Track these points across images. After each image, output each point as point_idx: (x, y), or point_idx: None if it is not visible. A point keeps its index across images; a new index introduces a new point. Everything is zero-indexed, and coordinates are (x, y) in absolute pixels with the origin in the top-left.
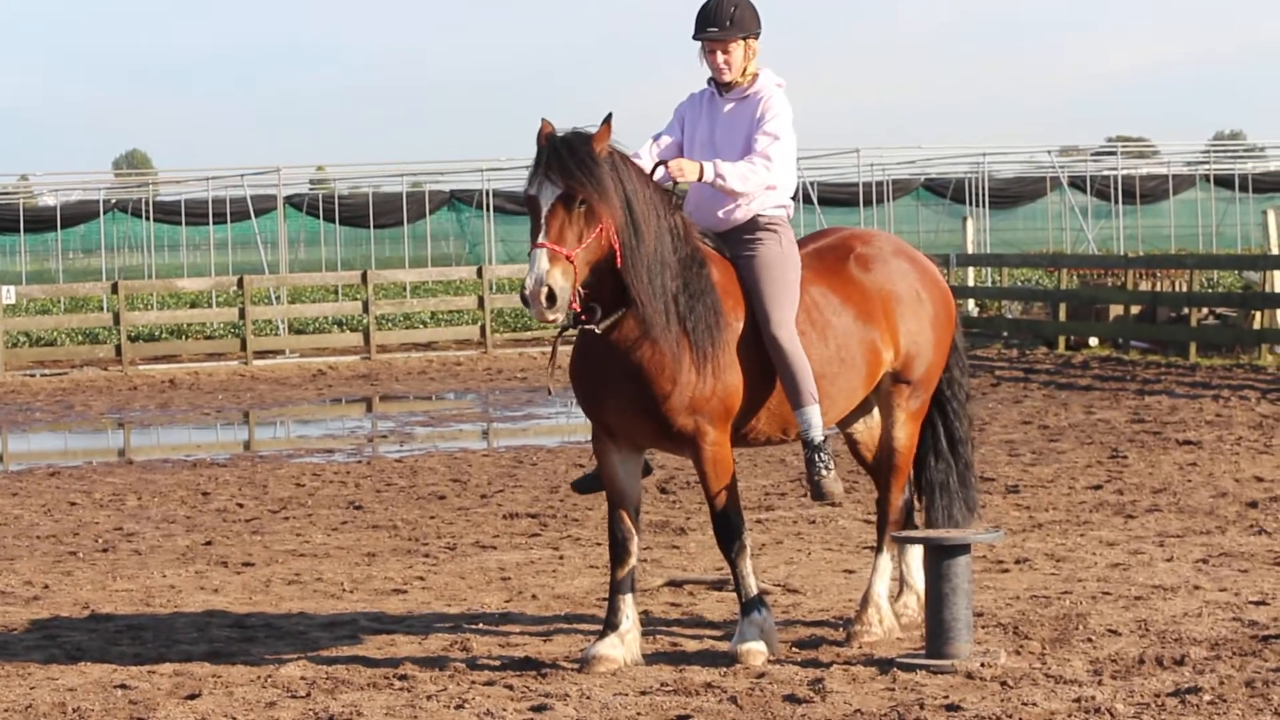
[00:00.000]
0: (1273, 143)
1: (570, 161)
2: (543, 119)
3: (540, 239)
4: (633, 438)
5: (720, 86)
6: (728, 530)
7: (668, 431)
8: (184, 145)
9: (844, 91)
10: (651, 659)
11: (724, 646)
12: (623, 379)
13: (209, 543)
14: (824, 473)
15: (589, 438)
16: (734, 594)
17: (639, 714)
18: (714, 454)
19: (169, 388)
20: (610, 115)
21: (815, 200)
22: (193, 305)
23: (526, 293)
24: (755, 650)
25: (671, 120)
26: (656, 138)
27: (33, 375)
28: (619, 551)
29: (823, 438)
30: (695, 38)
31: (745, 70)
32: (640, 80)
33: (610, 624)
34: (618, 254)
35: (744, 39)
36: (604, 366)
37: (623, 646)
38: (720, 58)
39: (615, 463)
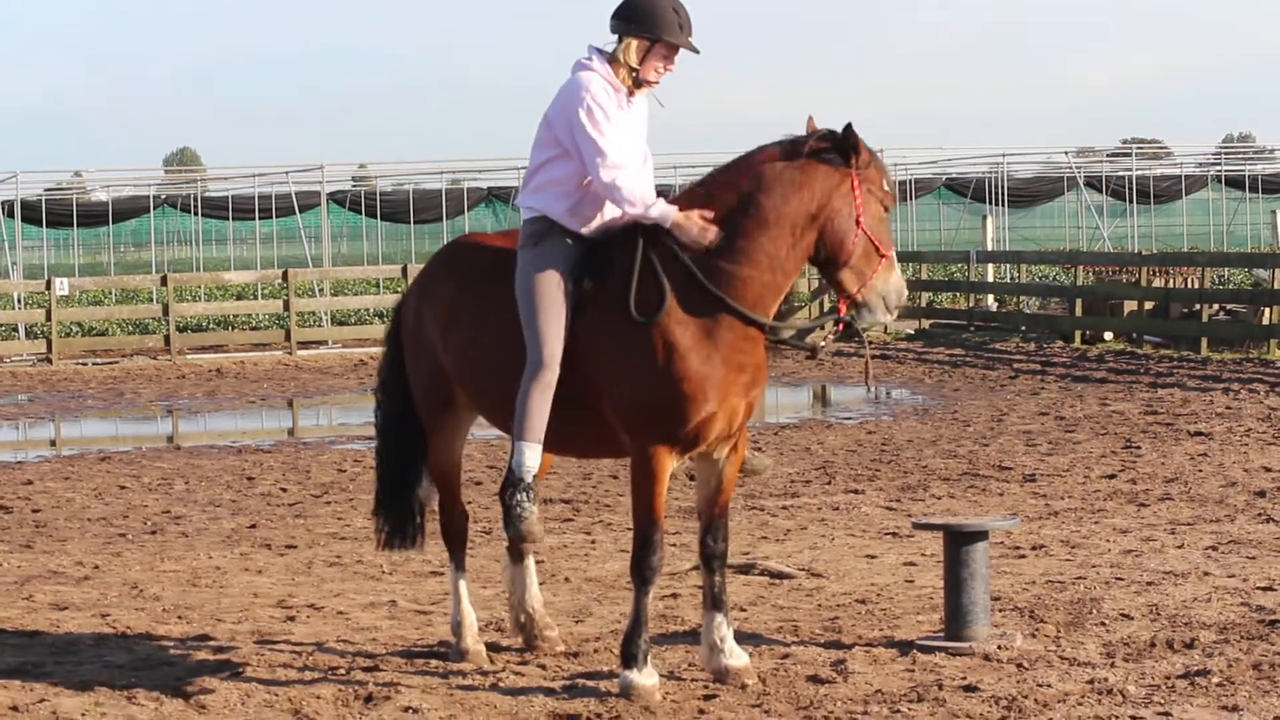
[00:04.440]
0: None
1: None
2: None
3: (892, 250)
4: (722, 438)
5: (633, 84)
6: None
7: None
8: (232, 143)
9: (870, 94)
10: (681, 638)
11: (749, 628)
12: (756, 373)
13: (253, 526)
14: None
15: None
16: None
17: (669, 694)
18: None
19: (216, 376)
20: (851, 124)
21: None
22: (239, 297)
23: (903, 301)
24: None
25: (606, 106)
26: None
27: (85, 364)
28: (655, 577)
29: None
30: (670, 40)
31: None
32: (678, 81)
33: (646, 653)
34: None
35: None
36: (744, 362)
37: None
38: (667, 67)
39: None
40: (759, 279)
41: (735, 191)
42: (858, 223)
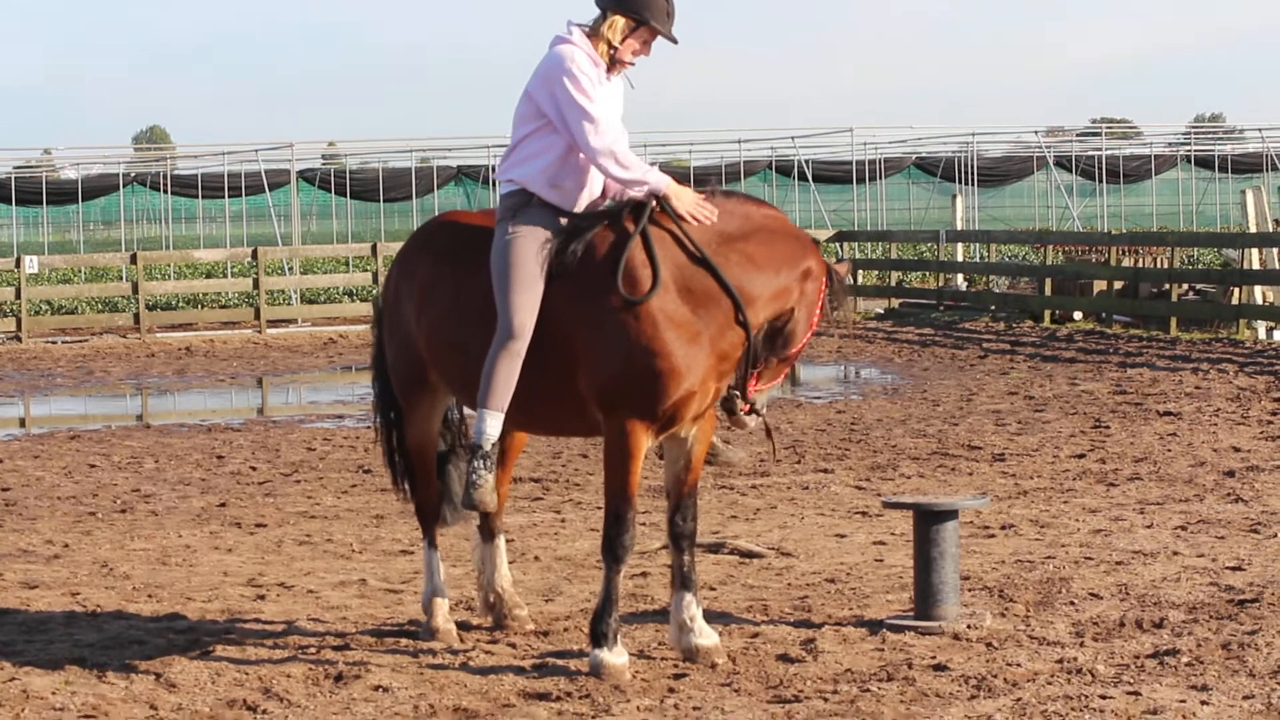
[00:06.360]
0: (1251, 125)
1: None
2: None
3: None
4: (696, 417)
5: (609, 63)
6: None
7: None
8: (202, 121)
9: (840, 71)
10: (651, 617)
11: (719, 607)
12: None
13: (223, 504)
14: None
15: None
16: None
17: (639, 672)
18: None
19: (185, 355)
20: None
21: (810, 178)
22: (208, 275)
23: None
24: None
25: (591, 75)
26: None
27: (54, 342)
28: (627, 556)
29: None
30: (656, 25)
31: None
32: (653, 63)
33: (615, 632)
34: None
35: None
36: (726, 352)
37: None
38: (644, 51)
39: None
40: (760, 280)
41: (746, 209)
42: (811, 326)
